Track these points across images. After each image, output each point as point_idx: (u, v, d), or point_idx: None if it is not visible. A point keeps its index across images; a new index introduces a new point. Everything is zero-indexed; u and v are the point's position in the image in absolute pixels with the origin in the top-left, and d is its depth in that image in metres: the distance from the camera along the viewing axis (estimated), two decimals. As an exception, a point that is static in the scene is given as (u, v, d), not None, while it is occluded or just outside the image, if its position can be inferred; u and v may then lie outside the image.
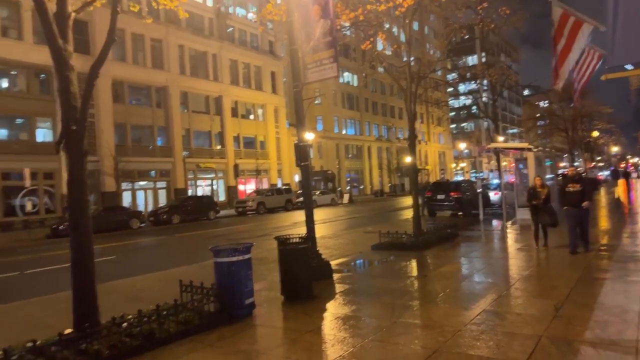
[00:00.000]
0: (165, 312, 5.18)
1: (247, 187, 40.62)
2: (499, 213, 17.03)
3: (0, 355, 3.91)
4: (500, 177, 17.34)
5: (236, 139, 40.41)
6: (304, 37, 7.13)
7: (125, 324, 4.82)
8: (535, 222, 9.95)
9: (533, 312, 5.45)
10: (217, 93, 38.50)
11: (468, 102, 77.14)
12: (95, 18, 27.85)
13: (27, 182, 22.51)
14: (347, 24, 11.35)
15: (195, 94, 37.09)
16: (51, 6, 4.89)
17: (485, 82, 27.00)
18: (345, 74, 56.37)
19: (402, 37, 11.55)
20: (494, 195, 20.53)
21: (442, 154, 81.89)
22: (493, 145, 17.83)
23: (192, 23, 36.43)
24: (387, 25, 12.61)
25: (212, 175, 38.68)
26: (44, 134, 27.97)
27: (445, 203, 19.50)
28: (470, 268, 8.74)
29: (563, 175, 12.21)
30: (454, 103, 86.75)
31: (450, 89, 66.87)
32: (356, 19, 10.52)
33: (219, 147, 38.94)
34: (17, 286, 9.75)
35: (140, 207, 31.82)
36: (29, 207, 23.17)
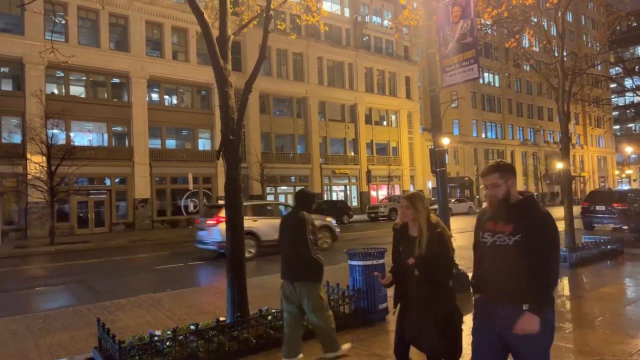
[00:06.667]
0: (304, 309, 5.49)
1: (379, 193, 40.82)
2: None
3: (171, 334, 4.58)
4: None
5: (369, 145, 40.96)
6: (441, 40, 6.94)
7: (270, 317, 5.23)
8: (399, 327, 3.59)
9: None
10: (352, 101, 39.54)
11: (637, 99, 66.45)
12: (247, 38, 30.91)
13: (190, 186, 25.88)
14: (489, 22, 10.73)
15: (331, 103, 38.64)
16: (214, 31, 5.59)
17: (660, 74, 22.97)
18: (486, 74, 53.04)
19: (553, 31, 10.51)
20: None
21: (603, 159, 71.98)
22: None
23: (330, 35, 38.05)
24: (535, 20, 11.59)
25: (346, 181, 39.76)
26: (203, 144, 31.92)
27: (607, 215, 17.13)
28: (637, 291, 7.53)
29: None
30: (618, 101, 75.33)
31: (613, 85, 58.59)
32: (499, 16, 9.88)
33: (352, 153, 39.91)
34: (182, 276, 11.26)
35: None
36: (191, 207, 26.61)
